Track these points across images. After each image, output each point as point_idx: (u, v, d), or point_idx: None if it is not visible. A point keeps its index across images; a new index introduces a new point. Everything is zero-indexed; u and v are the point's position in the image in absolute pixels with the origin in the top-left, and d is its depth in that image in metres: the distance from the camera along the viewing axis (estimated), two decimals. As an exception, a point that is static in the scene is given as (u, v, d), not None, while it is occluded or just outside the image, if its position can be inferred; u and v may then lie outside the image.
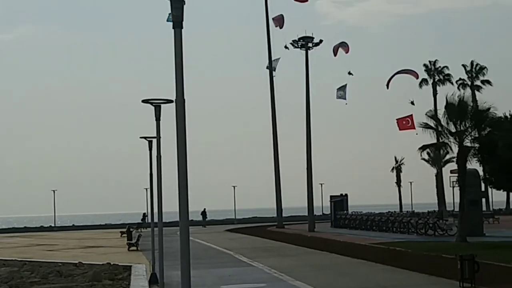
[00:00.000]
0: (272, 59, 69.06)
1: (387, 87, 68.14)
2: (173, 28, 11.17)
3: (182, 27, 11.19)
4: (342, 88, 72.02)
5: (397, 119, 66.45)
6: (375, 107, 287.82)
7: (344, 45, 70.65)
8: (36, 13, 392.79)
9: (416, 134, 52.41)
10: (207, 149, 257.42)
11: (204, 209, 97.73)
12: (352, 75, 70.83)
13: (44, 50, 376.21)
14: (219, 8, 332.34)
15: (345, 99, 72.54)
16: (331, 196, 76.76)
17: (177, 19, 11.25)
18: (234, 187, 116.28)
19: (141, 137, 26.92)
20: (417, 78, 72.48)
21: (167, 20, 77.88)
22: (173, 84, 10.85)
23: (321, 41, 67.74)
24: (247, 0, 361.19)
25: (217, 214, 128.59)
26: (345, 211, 73.48)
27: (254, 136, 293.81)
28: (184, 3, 11.16)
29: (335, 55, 70.11)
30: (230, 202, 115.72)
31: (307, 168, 68.17)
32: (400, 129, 64.70)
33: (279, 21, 66.93)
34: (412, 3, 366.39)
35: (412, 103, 68.56)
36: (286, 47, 65.49)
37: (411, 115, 65.12)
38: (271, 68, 67.70)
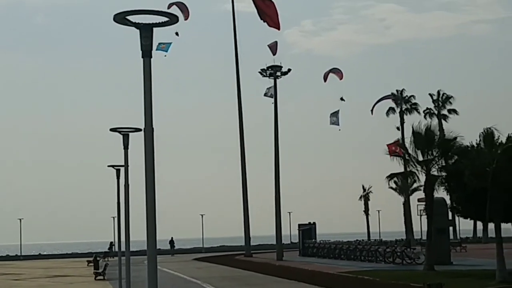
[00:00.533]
0: (241, 86, 69.35)
1: (372, 113, 69.64)
2: (142, 57, 11.15)
3: (151, 56, 11.17)
4: (335, 114, 72.60)
5: (387, 145, 67.32)
6: (343, 135, 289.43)
7: (337, 71, 71.19)
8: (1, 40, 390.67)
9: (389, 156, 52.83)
10: (175, 177, 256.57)
11: (172, 238, 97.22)
12: (344, 100, 71.48)
13: (9, 77, 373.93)
14: (188, 35, 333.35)
15: (338, 124, 73.26)
16: (299, 225, 76.70)
17: (146, 48, 11.22)
18: (202, 215, 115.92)
19: (109, 166, 26.79)
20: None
21: (156, 49, 77.11)
22: (142, 112, 10.81)
23: (289, 70, 67.97)
24: (217, 29, 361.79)
25: (185, 242, 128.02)
26: (313, 240, 73.45)
27: (222, 164, 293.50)
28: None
29: (325, 81, 70.83)
30: (198, 230, 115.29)
31: (276, 197, 68.07)
32: (390, 155, 65.07)
33: (273, 48, 67.24)
34: (378, 33, 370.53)
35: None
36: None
37: (398, 139, 65.93)
38: (239, 95, 67.54)
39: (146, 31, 11.43)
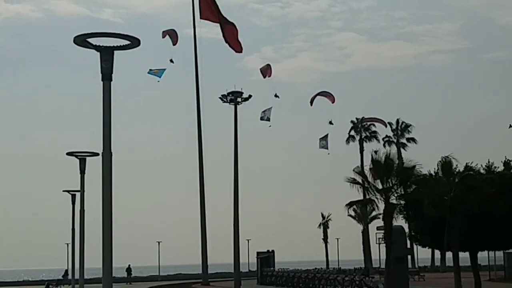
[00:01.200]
0: (201, 113, 68.95)
1: (311, 104, 70.27)
2: (102, 80, 10.86)
3: (111, 80, 10.89)
4: (324, 138, 72.63)
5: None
6: (302, 162, 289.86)
7: (328, 94, 71.19)
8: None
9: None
10: (132, 203, 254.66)
11: (129, 265, 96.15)
12: (332, 124, 71.70)
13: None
14: (149, 60, 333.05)
15: (327, 148, 73.35)
16: (257, 252, 76.18)
17: (106, 71, 10.95)
18: (159, 242, 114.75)
19: (64, 191, 26.33)
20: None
21: (148, 73, 75.66)
22: (100, 137, 10.49)
23: (250, 96, 67.86)
24: (178, 54, 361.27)
25: (142, 270, 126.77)
26: (272, 268, 73.00)
27: (180, 191, 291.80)
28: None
29: (311, 104, 70.98)
30: (155, 258, 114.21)
31: (234, 224, 67.61)
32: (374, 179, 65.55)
33: (266, 71, 67.07)
34: (338, 61, 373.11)
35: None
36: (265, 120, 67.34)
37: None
38: (199, 121, 67.08)
39: (106, 54, 11.17)
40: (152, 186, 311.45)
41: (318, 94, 72.07)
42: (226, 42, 57.15)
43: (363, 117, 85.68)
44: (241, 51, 61.55)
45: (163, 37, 68.30)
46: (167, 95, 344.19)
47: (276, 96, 70.30)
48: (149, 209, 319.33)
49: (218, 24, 54.52)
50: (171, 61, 68.86)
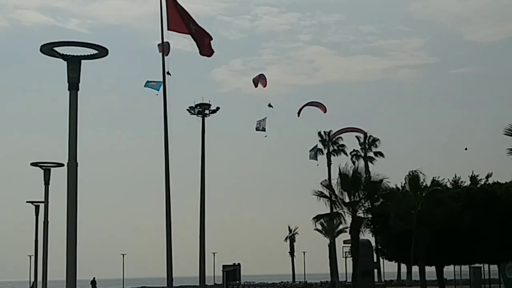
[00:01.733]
0: (168, 125, 68.34)
1: (298, 115, 69.98)
2: (69, 89, 10.62)
3: (78, 89, 10.66)
4: (313, 149, 72.08)
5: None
6: (270, 176, 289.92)
7: (318, 104, 70.79)
8: None
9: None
10: (97, 215, 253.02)
11: (94, 278, 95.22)
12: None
13: None
14: (116, 71, 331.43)
15: (316, 159, 72.79)
16: (223, 266, 75.93)
17: (73, 81, 10.72)
18: (123, 255, 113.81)
19: (27, 202, 25.94)
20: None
21: (145, 86, 74.47)
22: (65, 147, 10.25)
23: (218, 108, 67.62)
24: (143, 65, 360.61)
25: (106, 283, 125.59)
26: (238, 281, 72.77)
27: (146, 203, 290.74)
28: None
29: (298, 115, 70.58)
30: (119, 271, 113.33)
31: (200, 237, 67.25)
32: (255, 86, 65.89)
33: (257, 81, 66.65)
34: (307, 75, 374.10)
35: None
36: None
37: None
38: (166, 134, 66.76)
39: (73, 63, 10.94)
40: (117, 197, 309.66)
41: (308, 104, 71.56)
42: (198, 44, 56.51)
43: (341, 129, 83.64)
44: (210, 55, 61.03)
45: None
46: (134, 106, 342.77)
47: (270, 105, 70.14)
48: (114, 221, 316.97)
49: (185, 35, 54.11)
50: (168, 73, 68.49)
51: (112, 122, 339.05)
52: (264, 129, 69.28)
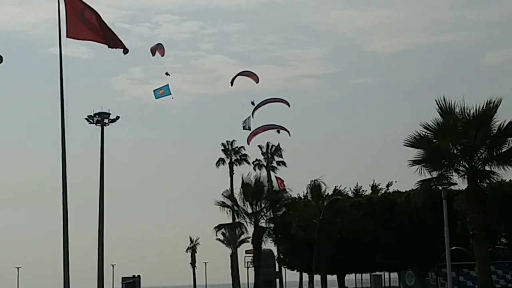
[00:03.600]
0: (66, 133, 66.60)
1: (231, 84, 68.45)
2: None
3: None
4: (247, 119, 70.57)
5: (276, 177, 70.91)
6: (172, 186, 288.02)
7: (250, 74, 69.31)
8: None
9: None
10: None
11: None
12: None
13: None
14: (12, 80, 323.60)
15: (249, 129, 71.29)
16: (123, 278, 74.55)
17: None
18: (18, 268, 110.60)
19: None
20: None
21: (157, 98, 70.00)
22: None
23: (117, 117, 66.36)
24: (41, 73, 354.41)
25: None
26: (139, 293, 71.63)
27: (42, 214, 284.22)
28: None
29: (231, 84, 68.96)
30: (13, 285, 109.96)
31: (99, 248, 65.87)
32: (280, 187, 64.96)
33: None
34: (209, 84, 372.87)
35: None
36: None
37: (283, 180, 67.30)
38: (63, 144, 65.28)
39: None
40: (11, 208, 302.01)
41: (240, 74, 70.28)
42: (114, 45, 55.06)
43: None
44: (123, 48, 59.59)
45: (153, 55, 66.04)
46: (31, 115, 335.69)
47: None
48: (7, 232, 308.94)
49: (85, 42, 52.94)
50: (167, 74, 67.11)
51: (6, 130, 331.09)
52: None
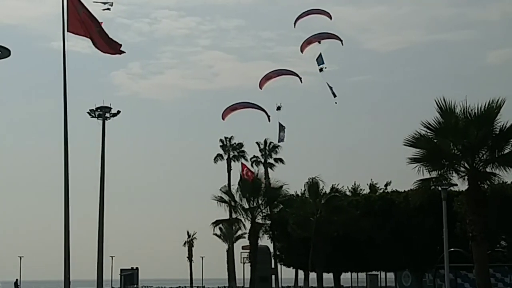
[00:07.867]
0: (68, 127, 66.73)
1: (294, 26, 63.25)
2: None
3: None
4: (282, 129, 68.42)
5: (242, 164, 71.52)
6: (171, 180, 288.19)
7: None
8: None
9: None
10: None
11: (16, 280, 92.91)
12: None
13: None
14: (14, 74, 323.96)
15: (283, 140, 69.50)
16: (121, 269, 75.05)
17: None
18: (20, 257, 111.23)
19: None
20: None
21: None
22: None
23: (119, 111, 66.70)
24: (43, 67, 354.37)
25: (4, 286, 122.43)
26: (136, 285, 72.06)
27: (44, 205, 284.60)
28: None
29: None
30: (16, 273, 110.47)
31: (98, 240, 66.24)
32: (243, 175, 63.91)
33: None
34: (206, 80, 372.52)
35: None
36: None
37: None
38: (66, 136, 65.23)
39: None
40: (15, 199, 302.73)
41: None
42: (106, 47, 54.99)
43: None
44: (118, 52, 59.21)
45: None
46: (34, 108, 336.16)
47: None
48: (10, 222, 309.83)
49: (85, 38, 52.98)
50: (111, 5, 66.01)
51: (10, 124, 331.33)
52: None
